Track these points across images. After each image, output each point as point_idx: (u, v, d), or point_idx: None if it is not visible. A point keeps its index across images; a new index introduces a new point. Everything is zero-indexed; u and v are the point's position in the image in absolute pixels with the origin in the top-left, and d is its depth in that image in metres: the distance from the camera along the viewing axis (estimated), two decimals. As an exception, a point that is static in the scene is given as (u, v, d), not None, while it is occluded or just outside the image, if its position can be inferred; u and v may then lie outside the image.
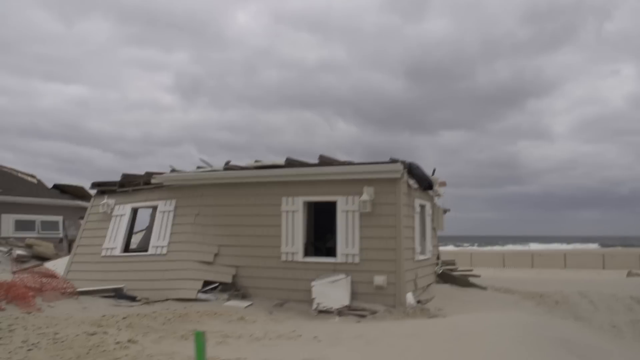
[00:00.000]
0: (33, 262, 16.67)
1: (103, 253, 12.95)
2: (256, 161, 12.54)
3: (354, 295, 11.15)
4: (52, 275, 11.67)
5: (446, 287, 14.06)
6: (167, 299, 11.62)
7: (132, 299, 11.47)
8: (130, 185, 13.59)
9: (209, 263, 12.10)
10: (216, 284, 11.90)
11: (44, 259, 17.18)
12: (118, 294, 11.71)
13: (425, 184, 11.70)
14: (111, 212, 13.34)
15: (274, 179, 12.01)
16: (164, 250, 12.37)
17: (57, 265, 15.16)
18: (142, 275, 12.21)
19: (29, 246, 17.36)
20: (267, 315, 10.45)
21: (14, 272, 15.12)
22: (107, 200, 13.34)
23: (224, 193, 12.46)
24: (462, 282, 14.37)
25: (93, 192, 14.18)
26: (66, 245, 21.63)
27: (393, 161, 11.44)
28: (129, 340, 7.62)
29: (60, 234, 21.81)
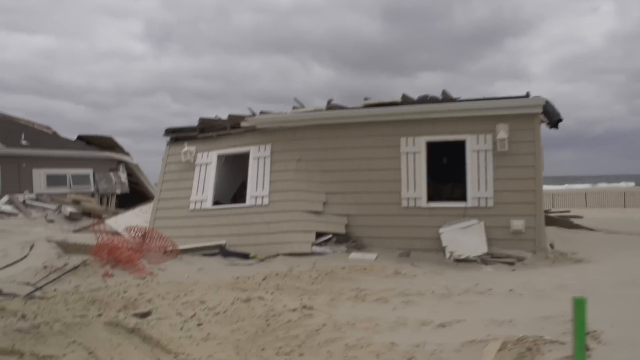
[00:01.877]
0: (86, 220, 15.51)
1: (191, 206, 11.91)
2: (365, 99, 11.47)
3: (488, 241, 10.44)
4: (148, 234, 10.60)
5: (553, 230, 13.48)
6: (277, 254, 10.74)
7: (244, 256, 10.56)
8: (212, 130, 12.43)
9: (318, 212, 11.21)
10: (329, 235, 11.04)
11: (93, 215, 15.99)
12: (223, 251, 10.78)
13: (555, 120, 10.87)
14: (194, 161, 12.18)
15: (391, 118, 11.04)
16: (266, 201, 11.39)
17: (119, 222, 14.08)
18: (242, 229, 11.28)
19: (75, 202, 16.11)
20: (410, 267, 9.67)
21: (75, 231, 14.02)
22: (188, 148, 12.16)
23: (330, 135, 11.45)
24: (566, 224, 13.82)
25: (166, 139, 12.90)
26: (97, 199, 20.42)
27: (527, 95, 10.54)
28: (304, 307, 6.64)
29: (92, 188, 20.49)
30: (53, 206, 15.60)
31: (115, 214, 16.83)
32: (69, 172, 20.06)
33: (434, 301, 7.13)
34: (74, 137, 22.31)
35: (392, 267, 9.31)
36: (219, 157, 12.25)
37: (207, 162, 12.21)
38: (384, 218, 11.04)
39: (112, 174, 21.12)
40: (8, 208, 14.63)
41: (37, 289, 7.92)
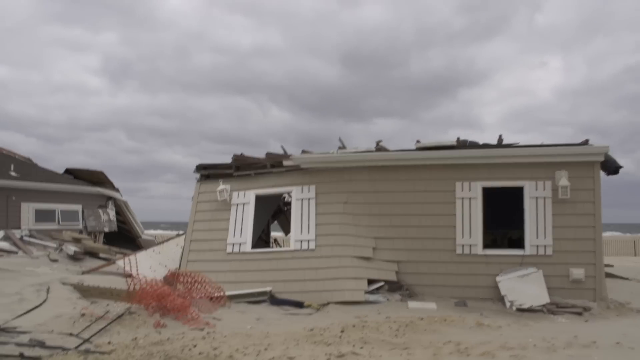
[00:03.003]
0: (89, 260, 14.51)
1: (229, 249, 11.29)
2: (417, 142, 11.30)
3: (547, 290, 10.29)
4: (193, 278, 9.91)
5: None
6: (327, 303, 10.25)
7: (298, 304, 10.01)
8: (249, 168, 11.94)
9: (367, 259, 10.84)
10: (380, 283, 10.65)
11: (94, 255, 15.00)
12: (273, 299, 10.20)
13: (613, 168, 10.98)
14: (230, 200, 11.63)
15: (446, 162, 10.89)
16: (312, 245, 10.93)
17: (132, 263, 13.22)
18: (287, 275, 10.76)
19: (76, 240, 15.09)
20: (481, 317, 9.36)
21: (84, 273, 13.06)
22: (224, 186, 11.61)
23: (380, 177, 11.19)
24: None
25: (196, 175, 12.31)
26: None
27: (584, 143, 10.64)
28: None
29: (80, 224, 19.34)
30: (53, 244, 14.53)
31: (119, 254, 15.89)
32: (59, 207, 18.91)
33: (545, 355, 6.84)
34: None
35: (470, 318, 8.98)
36: (257, 197, 11.72)
37: (245, 202, 11.68)
38: (437, 265, 10.76)
39: (100, 211, 20.05)
40: (5, 245, 13.54)
41: (85, 341, 7.19)
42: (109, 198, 21.06)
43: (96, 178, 20.68)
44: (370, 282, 10.62)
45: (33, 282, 11.15)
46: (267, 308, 9.99)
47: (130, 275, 12.69)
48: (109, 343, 7.22)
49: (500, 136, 11.14)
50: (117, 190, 21.43)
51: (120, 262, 13.30)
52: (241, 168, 12.01)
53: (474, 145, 11.11)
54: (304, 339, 7.60)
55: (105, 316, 8.44)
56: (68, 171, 21.15)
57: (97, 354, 6.51)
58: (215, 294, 9.81)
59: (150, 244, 20.71)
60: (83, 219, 19.53)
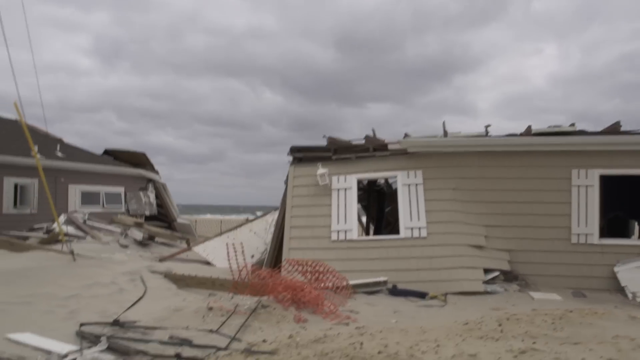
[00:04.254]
0: (156, 246, 14.03)
1: (334, 237, 10.96)
2: (528, 127, 11.09)
3: (666, 282, 10.20)
4: (315, 268, 9.56)
5: None
6: (446, 293, 10.01)
7: (420, 295, 9.74)
8: (349, 151, 11.57)
9: (480, 247, 10.61)
10: (496, 273, 10.45)
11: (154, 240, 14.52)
12: (394, 290, 9.94)
13: None
14: (330, 185, 11.28)
15: (562, 149, 10.70)
16: (423, 233, 10.68)
17: (208, 250, 12.87)
18: (398, 264, 10.53)
19: (137, 225, 14.56)
20: (619, 310, 9.20)
21: (161, 260, 12.61)
22: (323, 170, 11.25)
23: (491, 164, 10.98)
24: None
25: (289, 158, 11.91)
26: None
27: None
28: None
29: (122, 207, 18.74)
30: (116, 229, 14.00)
31: (180, 239, 15.42)
32: (103, 189, 18.29)
33: None
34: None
35: (617, 312, 8.82)
36: (358, 181, 11.39)
37: (346, 187, 11.36)
38: (551, 255, 10.61)
39: (141, 194, 19.46)
40: (70, 229, 12.97)
41: (233, 339, 6.79)
42: (149, 180, 20.47)
43: (137, 159, 20.05)
44: (486, 271, 10.42)
45: (123, 271, 10.72)
46: (391, 299, 9.72)
47: (208, 263, 12.33)
48: (264, 341, 6.78)
49: (617, 122, 10.95)
50: (156, 172, 20.83)
51: (196, 249, 12.88)
52: (339, 151, 11.64)
53: (591, 132, 10.91)
54: (466, 334, 7.29)
55: (237, 310, 8.03)
56: (107, 152, 20.48)
57: (260, 354, 6.07)
58: (341, 285, 9.48)
59: (186, 228, 20.24)
60: (125, 201, 18.94)
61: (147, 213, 19.38)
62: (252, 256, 13.26)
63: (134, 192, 19.20)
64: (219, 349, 6.26)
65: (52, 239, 12.14)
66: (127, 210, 18.66)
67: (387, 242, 10.95)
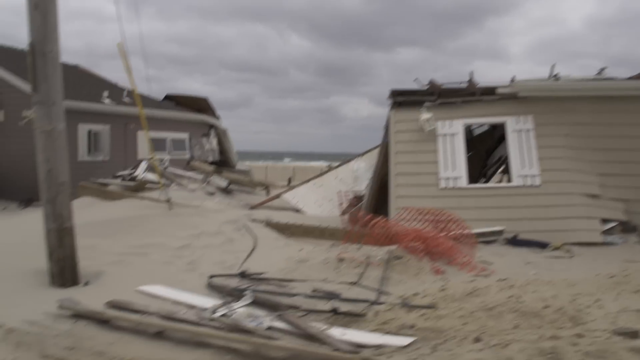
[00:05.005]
0: (239, 193, 13.89)
1: (442, 184, 10.72)
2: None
3: None
4: (438, 216, 9.34)
5: None
6: (563, 243, 9.79)
7: (542, 245, 9.53)
8: (453, 95, 11.19)
9: (595, 196, 10.32)
10: (613, 223, 10.20)
11: (241, 186, 14.38)
12: (514, 240, 9.75)
13: None
14: (434, 130, 10.96)
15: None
16: (537, 181, 10.42)
17: (298, 197, 12.72)
18: (511, 213, 10.32)
19: (218, 172, 14.42)
20: None
21: (252, 208, 12.48)
22: (428, 115, 10.91)
23: (604, 109, 10.65)
24: None
25: (388, 102, 11.55)
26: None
27: None
28: None
29: (187, 154, 18.59)
30: (198, 176, 13.85)
31: (258, 186, 15.28)
32: (169, 135, 18.10)
33: None
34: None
35: None
36: (465, 126, 11.08)
37: (452, 132, 11.06)
38: (670, 204, 10.29)
39: (204, 140, 19.26)
40: (153, 177, 12.83)
41: (380, 292, 6.59)
42: (211, 126, 20.25)
43: (198, 105, 19.79)
44: (603, 221, 10.17)
45: (224, 220, 10.58)
46: (513, 249, 9.53)
47: (298, 210, 12.15)
48: (416, 295, 6.55)
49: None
50: (217, 117, 20.57)
51: (285, 196, 12.73)
52: (443, 95, 11.27)
53: None
54: (618, 287, 7.03)
55: (370, 262, 7.84)
56: (168, 97, 20.18)
57: (421, 308, 5.84)
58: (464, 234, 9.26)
59: (246, 174, 20.09)
60: (189, 148, 18.78)
61: (210, 159, 19.25)
62: (341, 204, 13.12)
63: (197, 139, 19.04)
64: (372, 302, 6.06)
65: (140, 186, 12.02)
66: (192, 157, 18.52)
67: (499, 190, 10.74)
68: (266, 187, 15.45)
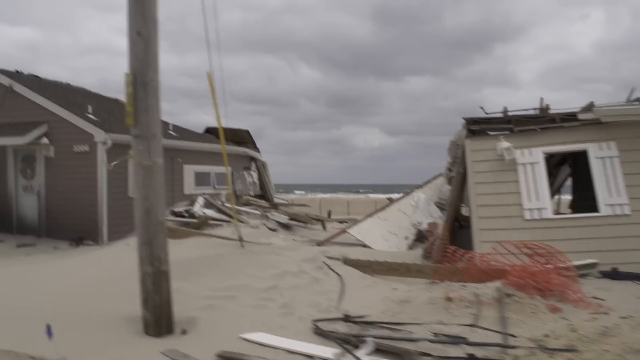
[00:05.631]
0: (297, 228, 13.40)
1: (527, 215, 10.20)
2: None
3: None
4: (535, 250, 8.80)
5: None
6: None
7: (641, 276, 8.96)
8: (530, 123, 10.76)
9: (690, 224, 9.72)
10: None
11: (300, 221, 13.90)
12: (613, 273, 9.17)
13: None
14: (514, 159, 10.50)
15: None
16: (626, 210, 9.88)
17: (364, 232, 12.21)
18: (600, 244, 9.80)
19: (273, 207, 13.97)
20: None
21: (319, 244, 11.97)
22: (507, 144, 10.46)
23: (696, 133, 10.01)
24: None
25: (459, 131, 11.14)
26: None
27: None
28: None
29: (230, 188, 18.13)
30: (255, 211, 13.39)
31: (315, 220, 14.78)
32: (213, 169, 17.71)
33: None
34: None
35: None
36: (545, 155, 10.61)
37: (533, 161, 10.62)
38: None
39: (245, 173, 18.84)
40: (212, 213, 12.38)
41: (506, 334, 6.10)
42: (252, 159, 19.87)
43: (239, 137, 19.45)
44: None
45: (300, 258, 10.19)
46: (615, 283, 8.95)
47: (365, 245, 11.63)
48: (547, 336, 6.06)
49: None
50: (258, 150, 20.23)
51: (351, 231, 12.22)
52: (520, 122, 10.82)
53: None
54: None
55: (481, 301, 7.34)
56: (209, 130, 19.87)
57: (561, 352, 5.37)
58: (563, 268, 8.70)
59: (283, 207, 19.62)
60: (232, 181, 18.34)
61: (252, 193, 18.81)
62: (406, 237, 12.61)
63: (239, 172, 18.61)
64: (506, 347, 5.63)
65: (202, 223, 11.55)
66: (234, 191, 18.08)
67: (586, 220, 10.16)
68: (321, 221, 14.94)
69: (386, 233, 12.43)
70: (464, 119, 11.16)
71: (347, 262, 9.89)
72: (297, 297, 7.97)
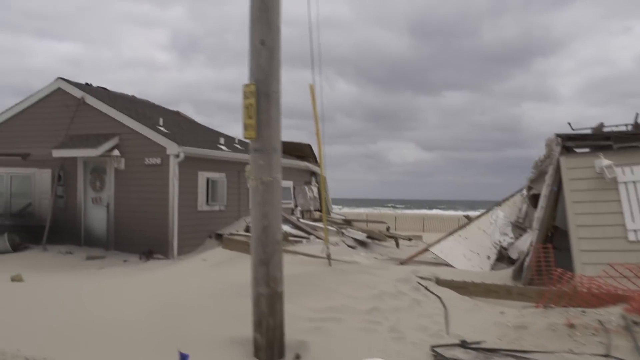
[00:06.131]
0: (375, 245, 12.99)
1: (631, 237, 9.59)
2: None
3: None
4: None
5: None
6: None
7: None
8: (632, 139, 10.17)
9: None
10: None
11: (375, 239, 13.49)
12: None
13: None
14: (615, 177, 9.91)
15: None
16: None
17: (445, 251, 11.72)
18: None
19: (347, 222, 13.61)
20: None
21: (402, 263, 11.54)
22: (608, 162, 9.89)
23: None
24: None
25: (554, 147, 10.61)
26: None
27: None
28: None
29: (292, 202, 17.86)
30: (332, 227, 13.04)
31: (389, 237, 14.36)
32: (278, 184, 17.39)
33: None
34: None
35: None
36: (648, 173, 9.98)
37: (635, 180, 9.98)
38: None
39: (306, 188, 18.55)
40: (288, 228, 12.06)
41: None
42: (312, 173, 19.59)
43: (301, 151, 19.19)
44: None
45: (394, 278, 9.76)
46: None
47: (448, 264, 11.15)
48: None
49: None
50: (318, 164, 19.89)
51: (434, 249, 11.75)
52: (620, 139, 10.25)
53: None
54: None
55: (607, 328, 6.83)
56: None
57: None
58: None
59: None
60: (293, 196, 18.06)
61: (312, 208, 18.49)
62: (489, 257, 12.07)
63: (300, 186, 18.35)
64: None
65: (282, 240, 11.20)
66: (296, 206, 17.80)
67: (699, 242, 9.50)
68: (395, 238, 14.51)
69: (468, 252, 11.93)
70: (558, 135, 10.65)
71: (441, 282, 9.45)
72: (402, 320, 7.59)
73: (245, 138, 6.19)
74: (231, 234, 12.09)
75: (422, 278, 9.64)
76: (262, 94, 5.98)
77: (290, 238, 11.53)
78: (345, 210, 51.04)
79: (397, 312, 7.94)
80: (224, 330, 6.88)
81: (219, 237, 14.14)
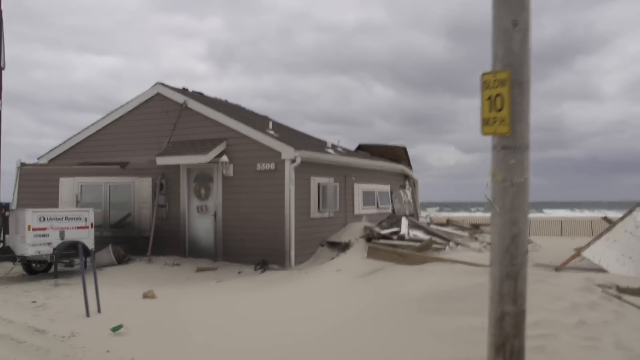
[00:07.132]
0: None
1: None
2: None
3: None
4: None
5: None
6: None
7: None
8: None
9: None
10: None
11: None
12: None
13: None
14: None
15: None
16: None
17: (598, 255, 10.76)
18: None
19: (475, 226, 12.77)
20: None
21: (557, 269, 10.65)
22: None
23: None
24: None
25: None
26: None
27: None
28: None
29: (389, 208, 17.07)
30: (463, 232, 12.20)
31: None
32: (376, 188, 16.72)
33: None
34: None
35: None
36: None
37: None
38: None
39: (402, 192, 17.74)
40: (419, 234, 11.22)
41: None
42: (406, 177, 18.80)
43: (395, 154, 18.42)
44: None
45: (574, 287, 9.05)
46: None
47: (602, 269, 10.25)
48: None
49: None
50: (411, 167, 19.13)
51: (586, 254, 10.81)
52: None
53: None
54: None
55: None
56: (361, 147, 18.93)
57: None
58: None
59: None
60: (391, 200, 17.27)
61: (407, 213, 17.65)
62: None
63: (396, 190, 17.55)
64: None
65: (426, 246, 10.42)
66: (393, 211, 16.99)
67: None
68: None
69: (620, 256, 10.98)
70: None
71: (623, 290, 8.54)
72: (620, 334, 6.75)
73: (487, 134, 5.38)
74: (374, 243, 11.30)
75: (599, 286, 8.76)
76: (515, 83, 5.17)
77: (435, 245, 10.71)
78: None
79: (606, 325, 7.13)
80: (433, 353, 6.15)
81: (332, 245, 13.42)
